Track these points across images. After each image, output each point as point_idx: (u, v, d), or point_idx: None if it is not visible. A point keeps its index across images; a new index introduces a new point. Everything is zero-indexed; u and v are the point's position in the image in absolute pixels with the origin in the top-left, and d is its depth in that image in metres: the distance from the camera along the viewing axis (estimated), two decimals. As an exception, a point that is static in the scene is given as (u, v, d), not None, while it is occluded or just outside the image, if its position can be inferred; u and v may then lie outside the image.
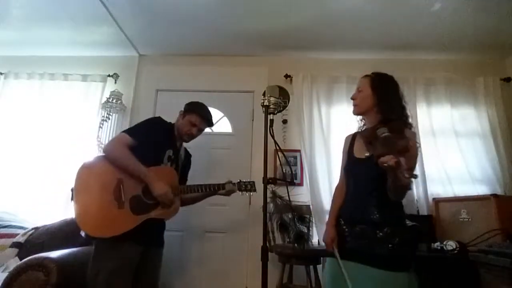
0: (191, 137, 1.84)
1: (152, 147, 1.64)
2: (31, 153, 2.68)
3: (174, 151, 1.76)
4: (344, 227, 1.35)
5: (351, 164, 1.41)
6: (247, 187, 1.87)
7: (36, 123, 2.75)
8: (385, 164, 1.04)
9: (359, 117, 1.48)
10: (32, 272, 1.55)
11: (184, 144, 1.92)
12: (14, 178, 2.63)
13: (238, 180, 1.88)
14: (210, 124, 1.90)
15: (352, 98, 1.45)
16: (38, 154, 2.67)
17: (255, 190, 1.87)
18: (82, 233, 1.47)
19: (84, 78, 2.87)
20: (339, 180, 1.52)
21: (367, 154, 1.31)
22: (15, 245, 2.05)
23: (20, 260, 1.80)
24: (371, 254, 1.22)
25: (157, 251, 1.68)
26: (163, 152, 1.69)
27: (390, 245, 1.21)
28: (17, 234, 2.13)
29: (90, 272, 1.45)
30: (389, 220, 1.25)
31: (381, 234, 1.23)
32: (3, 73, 2.92)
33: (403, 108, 1.35)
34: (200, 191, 1.78)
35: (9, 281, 1.54)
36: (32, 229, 2.16)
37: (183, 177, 1.89)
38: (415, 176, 1.04)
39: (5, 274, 1.61)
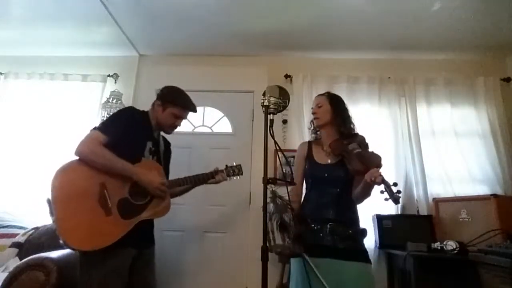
0: (175, 128, 1.74)
1: (130, 141, 1.50)
2: (31, 153, 2.68)
3: (154, 142, 1.64)
4: (313, 225, 1.44)
5: (313, 168, 1.56)
6: (235, 171, 1.82)
7: (36, 123, 2.75)
8: (373, 179, 1.22)
9: (312, 128, 1.70)
10: (32, 272, 1.56)
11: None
12: (14, 178, 2.63)
13: (225, 166, 1.82)
14: (194, 111, 1.77)
15: (313, 112, 1.63)
16: (38, 154, 2.67)
17: (242, 173, 1.85)
18: (62, 241, 1.36)
19: (84, 78, 2.87)
20: (296, 183, 1.61)
21: (329, 162, 1.53)
22: (15, 245, 2.06)
23: (20, 260, 1.80)
24: (346, 249, 1.37)
25: (149, 250, 1.60)
26: (142, 145, 1.57)
27: (358, 241, 1.42)
28: (17, 234, 2.13)
29: (80, 279, 1.36)
30: (355, 219, 1.47)
31: (350, 231, 1.40)
32: (3, 73, 2.93)
33: (352, 123, 1.60)
34: (189, 183, 1.71)
35: (9, 281, 1.54)
36: (32, 229, 2.16)
37: (165, 168, 1.76)
38: (400, 192, 1.18)
39: (5, 274, 1.61)
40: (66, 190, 1.38)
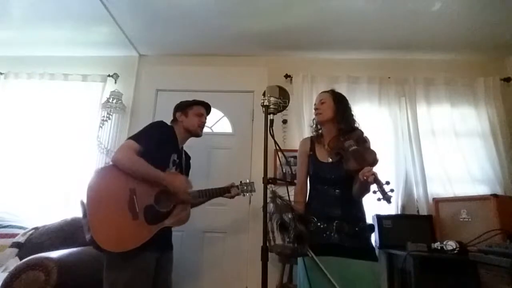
0: (203, 127, 1.87)
1: (159, 152, 1.63)
2: (31, 153, 2.68)
3: (178, 154, 1.77)
4: (319, 224, 1.44)
5: (316, 167, 1.56)
6: (248, 188, 1.94)
7: (36, 123, 2.75)
8: (365, 178, 1.22)
9: (313, 125, 1.70)
10: (32, 272, 1.55)
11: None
12: (14, 178, 2.62)
13: (240, 182, 1.93)
14: (210, 109, 1.94)
15: (316, 108, 1.62)
16: (38, 154, 2.67)
17: (254, 190, 1.95)
18: (87, 237, 1.41)
19: (84, 78, 2.87)
20: (299, 181, 1.62)
21: (330, 160, 1.52)
22: (15, 245, 2.05)
23: (20, 260, 1.80)
24: (353, 247, 1.37)
25: (168, 255, 1.69)
26: (168, 156, 1.69)
27: (365, 239, 1.42)
28: (17, 234, 2.13)
29: (105, 282, 1.43)
30: (360, 216, 1.47)
31: (356, 229, 1.40)
32: (3, 73, 2.92)
33: (354, 122, 1.59)
34: (208, 196, 1.82)
35: (9, 281, 1.53)
36: (32, 229, 2.16)
37: None
38: (393, 190, 1.19)
39: (5, 274, 1.61)
40: (99, 193, 1.47)
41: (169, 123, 1.82)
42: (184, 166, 1.86)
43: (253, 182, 1.96)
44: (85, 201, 1.45)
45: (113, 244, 1.42)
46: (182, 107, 1.85)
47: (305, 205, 1.56)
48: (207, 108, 1.92)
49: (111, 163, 1.56)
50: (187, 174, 1.93)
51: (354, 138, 1.46)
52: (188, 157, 1.97)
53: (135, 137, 1.61)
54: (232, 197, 1.90)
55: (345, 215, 1.43)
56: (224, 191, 1.87)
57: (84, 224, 1.45)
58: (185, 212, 1.66)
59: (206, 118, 1.90)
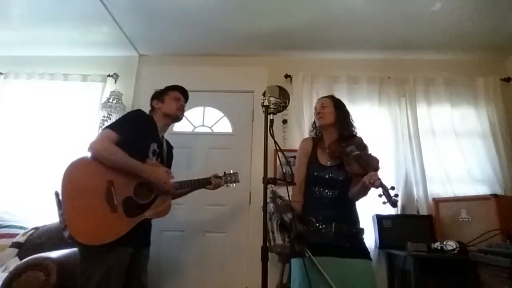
0: (183, 110, 1.82)
1: (138, 141, 1.57)
2: (31, 153, 2.68)
3: (158, 144, 1.71)
4: (318, 224, 1.46)
5: (316, 169, 1.56)
6: (232, 178, 1.91)
7: (36, 123, 2.75)
8: (372, 182, 1.25)
9: (313, 129, 1.72)
10: (32, 272, 1.56)
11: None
12: (14, 178, 2.62)
13: (223, 173, 1.91)
14: (187, 94, 1.89)
15: (318, 112, 1.63)
16: (38, 154, 2.67)
17: (238, 181, 1.94)
18: (66, 234, 1.36)
19: (84, 78, 2.87)
20: (298, 181, 1.60)
21: (329, 164, 1.55)
22: (15, 245, 2.06)
23: (20, 260, 1.81)
24: (351, 247, 1.40)
25: (144, 251, 1.64)
26: (148, 146, 1.63)
27: (361, 239, 1.47)
28: (17, 234, 2.14)
29: (80, 277, 1.38)
30: (356, 218, 1.51)
31: (354, 230, 1.45)
32: (3, 73, 2.93)
33: (354, 127, 1.63)
34: (189, 186, 1.79)
35: (9, 281, 1.54)
36: (32, 229, 2.16)
37: None
38: (397, 195, 1.23)
39: (5, 274, 1.61)
40: (76, 184, 1.42)
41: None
42: (165, 156, 1.80)
43: (237, 173, 1.93)
44: (60, 192, 1.39)
45: (90, 237, 1.37)
46: (158, 95, 1.81)
47: (302, 206, 1.56)
48: (184, 93, 1.86)
49: (88, 153, 1.49)
50: (169, 165, 1.86)
51: (355, 144, 1.48)
52: (170, 147, 1.91)
53: (112, 126, 1.55)
54: (214, 188, 1.84)
55: (342, 217, 1.45)
56: (206, 182, 1.82)
57: (59, 216, 1.39)
58: (166, 204, 1.61)
59: (184, 102, 1.84)
